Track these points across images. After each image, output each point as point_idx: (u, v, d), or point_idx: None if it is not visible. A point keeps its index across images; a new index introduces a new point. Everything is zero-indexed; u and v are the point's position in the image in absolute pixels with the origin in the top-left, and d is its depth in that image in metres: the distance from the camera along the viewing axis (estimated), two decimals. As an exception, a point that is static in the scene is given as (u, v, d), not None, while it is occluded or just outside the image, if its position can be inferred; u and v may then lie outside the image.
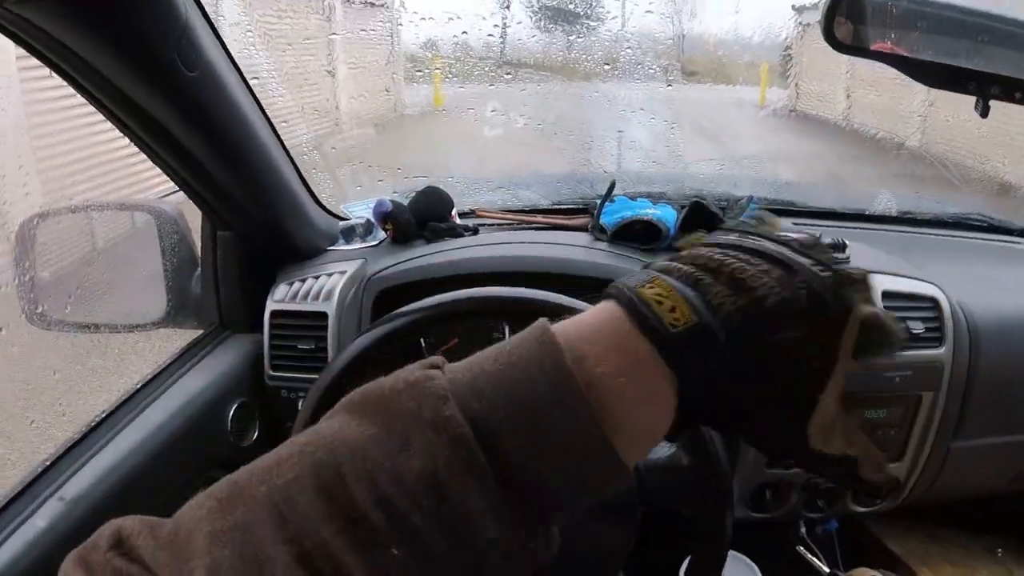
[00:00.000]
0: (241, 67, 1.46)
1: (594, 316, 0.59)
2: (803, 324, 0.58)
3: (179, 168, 1.47)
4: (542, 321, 0.58)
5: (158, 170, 1.49)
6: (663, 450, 1.13)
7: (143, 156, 1.43)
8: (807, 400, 0.59)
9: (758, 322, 0.57)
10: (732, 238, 0.65)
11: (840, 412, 0.60)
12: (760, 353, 0.58)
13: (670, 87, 2.75)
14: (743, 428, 0.63)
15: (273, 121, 1.62)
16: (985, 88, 0.94)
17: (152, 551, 0.54)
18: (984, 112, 0.96)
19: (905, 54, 0.97)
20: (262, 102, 1.56)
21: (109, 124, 1.32)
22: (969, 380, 1.64)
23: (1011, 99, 0.95)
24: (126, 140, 1.38)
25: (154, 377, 1.57)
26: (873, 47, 0.98)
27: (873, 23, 0.98)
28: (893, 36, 0.98)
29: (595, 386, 0.54)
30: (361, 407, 0.57)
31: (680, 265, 0.61)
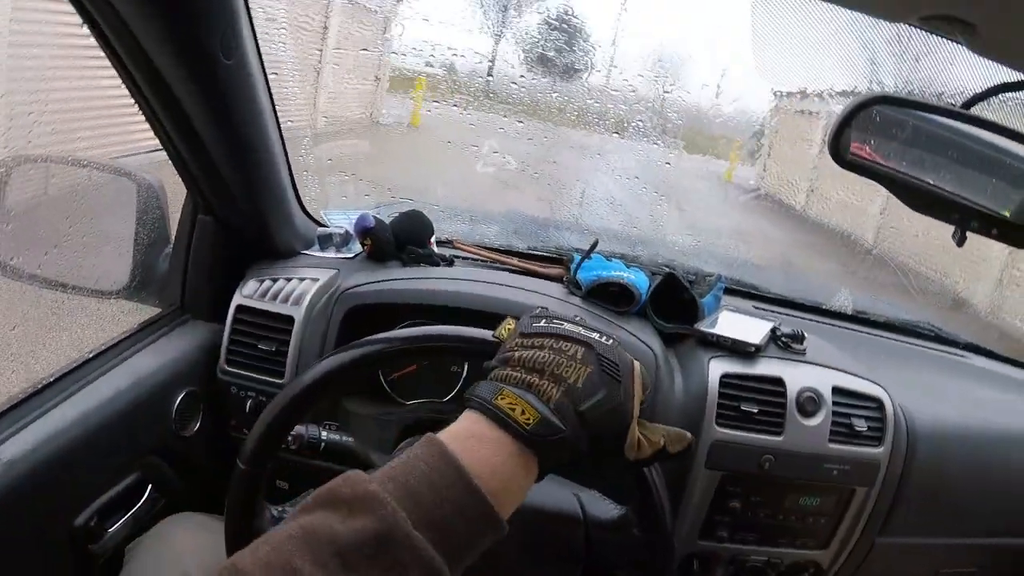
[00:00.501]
0: (265, 62, 1.48)
1: (466, 427, 0.86)
2: (604, 386, 0.90)
3: (183, 147, 1.48)
4: (430, 436, 0.83)
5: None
6: (613, 510, 1.16)
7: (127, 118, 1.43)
8: (621, 434, 0.91)
9: (576, 398, 0.88)
10: (542, 325, 0.98)
11: (641, 433, 0.92)
12: (583, 418, 0.87)
13: (656, 146, 2.80)
14: (584, 461, 0.91)
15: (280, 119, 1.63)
16: (966, 220, 0.99)
17: None
18: (961, 242, 1.02)
19: (901, 178, 1.02)
20: (275, 98, 1.58)
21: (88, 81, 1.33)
22: (902, 481, 1.70)
23: (987, 234, 1.00)
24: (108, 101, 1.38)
25: (106, 350, 1.56)
26: (871, 168, 1.03)
27: (874, 147, 1.03)
28: (890, 161, 1.03)
29: (478, 474, 0.79)
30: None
31: (514, 373, 0.90)
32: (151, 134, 1.49)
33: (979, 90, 0.96)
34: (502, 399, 0.87)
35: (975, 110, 0.96)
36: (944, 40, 0.88)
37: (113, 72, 1.31)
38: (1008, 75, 0.91)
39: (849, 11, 0.89)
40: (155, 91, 1.31)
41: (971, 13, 0.69)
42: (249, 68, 1.40)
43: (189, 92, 1.32)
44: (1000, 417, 1.88)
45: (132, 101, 1.39)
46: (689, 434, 0.97)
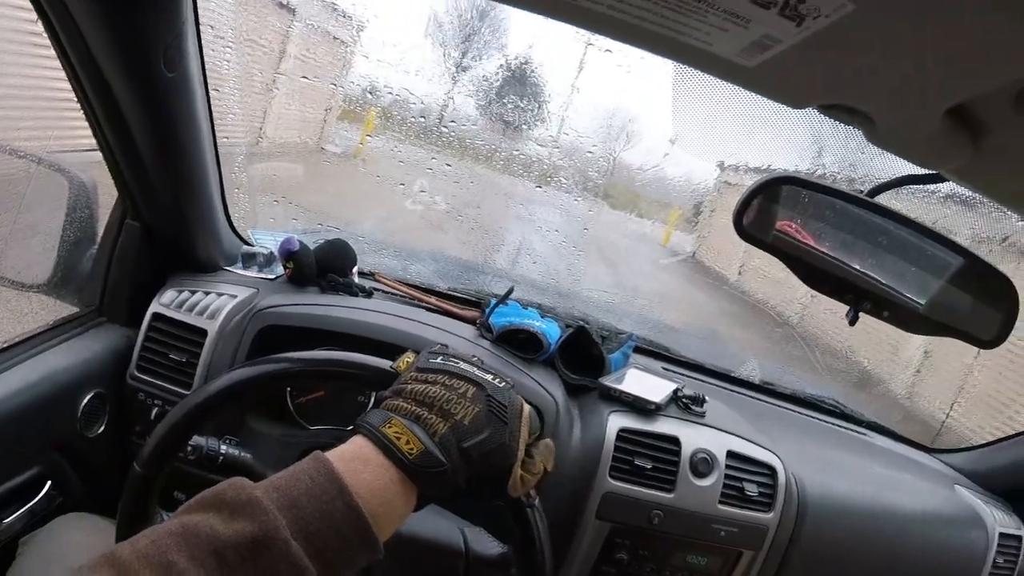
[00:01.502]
0: (208, 77, 1.50)
1: (353, 450, 0.89)
2: (489, 425, 0.94)
3: (118, 151, 1.50)
4: (317, 453, 0.86)
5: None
6: (495, 547, 1.18)
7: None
8: (504, 472, 0.95)
9: (460, 435, 0.92)
10: (438, 361, 1.03)
11: (523, 471, 0.97)
12: (466, 454, 0.92)
13: (589, 202, 2.84)
14: (466, 494, 0.95)
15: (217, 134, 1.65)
16: (860, 301, 1.04)
17: None
18: (853, 321, 1.07)
19: (798, 256, 1.06)
20: (214, 115, 1.60)
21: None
22: (789, 547, 1.74)
23: (879, 316, 1.05)
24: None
25: (20, 343, 1.55)
26: (771, 244, 1.08)
27: (776, 225, 1.07)
28: (791, 240, 1.07)
29: (359, 494, 0.82)
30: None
31: (405, 404, 0.95)
32: (90, 133, 1.50)
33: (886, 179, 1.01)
34: (389, 427, 0.91)
35: (881, 199, 1.01)
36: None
37: (59, 66, 1.33)
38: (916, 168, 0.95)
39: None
40: (96, 92, 1.34)
41: (867, 105, 0.72)
42: (190, 83, 1.42)
43: (129, 98, 1.35)
44: (891, 494, 1.93)
45: (75, 98, 1.41)
46: (549, 440, 1.03)
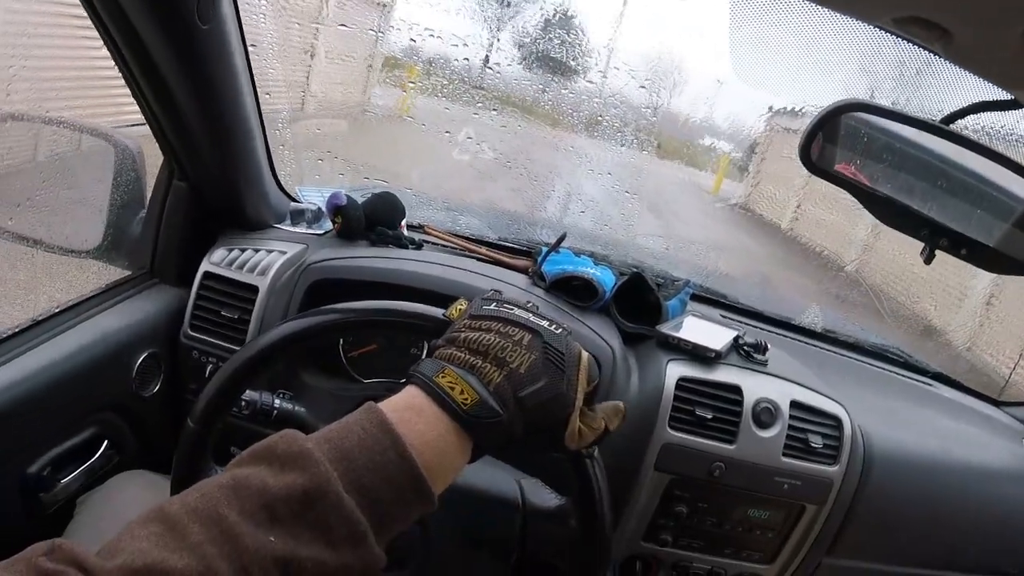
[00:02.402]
0: (245, 32, 1.47)
1: (406, 400, 0.87)
2: (546, 374, 0.91)
3: (160, 111, 1.48)
4: (369, 404, 0.84)
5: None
6: (553, 499, 1.15)
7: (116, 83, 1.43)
8: (561, 423, 0.92)
9: (516, 384, 0.89)
10: (492, 308, 0.99)
11: (582, 423, 0.93)
12: (522, 403, 0.89)
13: (640, 151, 2.79)
14: (522, 445, 0.93)
15: (258, 90, 1.63)
16: (936, 238, 0.99)
17: (86, 555, 0.65)
18: (929, 259, 1.01)
19: (871, 187, 1.01)
20: (254, 70, 1.58)
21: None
22: (854, 502, 1.69)
23: (957, 254, 1.00)
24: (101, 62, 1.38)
25: (73, 306, 1.56)
26: (842, 176, 1.02)
27: (847, 154, 1.02)
28: (863, 170, 1.02)
29: (412, 444, 0.80)
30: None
31: (458, 353, 0.92)
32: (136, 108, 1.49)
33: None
34: (443, 377, 0.89)
35: (953, 128, 0.96)
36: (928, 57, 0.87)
37: (96, 36, 1.31)
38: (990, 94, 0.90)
39: (828, 15, 0.88)
40: (134, 53, 1.32)
41: (943, 16, 0.68)
42: (226, 35, 1.40)
43: (165, 55, 1.33)
44: (961, 449, 1.87)
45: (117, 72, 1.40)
46: (621, 403, 0.97)
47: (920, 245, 1.01)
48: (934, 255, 1.01)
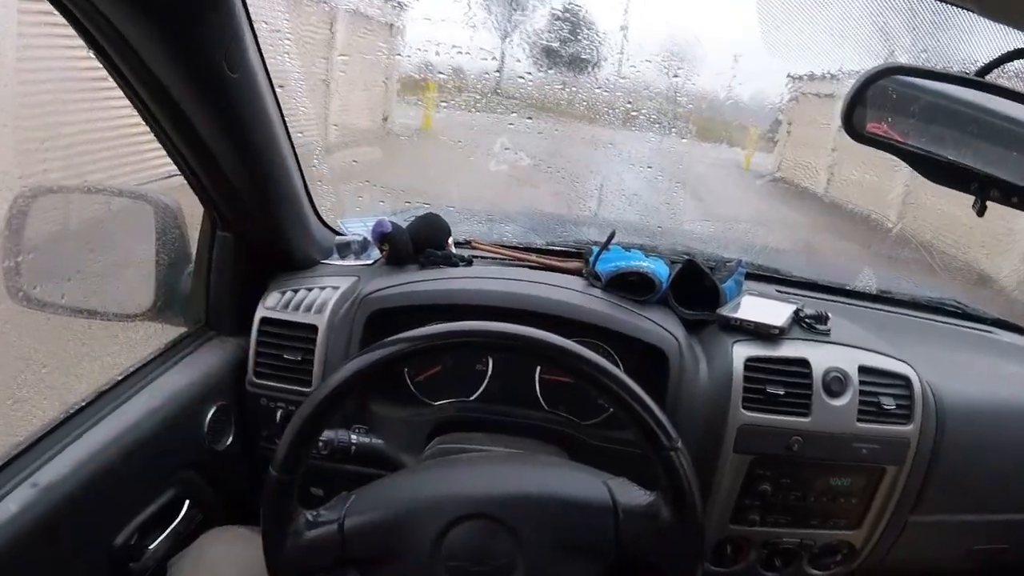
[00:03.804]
0: (271, 74, 1.48)
1: None
2: None
3: (196, 165, 1.48)
4: None
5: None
6: (643, 497, 1.15)
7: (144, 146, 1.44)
8: None
9: None
10: None
11: None
12: None
13: (669, 135, 2.78)
14: None
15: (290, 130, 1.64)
16: (985, 190, 0.98)
17: None
18: (981, 211, 1.01)
19: (917, 147, 1.01)
20: (284, 110, 1.58)
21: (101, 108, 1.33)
22: (932, 458, 1.69)
23: (1008, 203, 0.99)
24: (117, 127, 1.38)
25: (135, 371, 1.57)
26: (886, 140, 1.02)
27: (888, 119, 1.02)
28: (906, 132, 1.02)
29: None
30: None
31: None
32: (164, 159, 1.49)
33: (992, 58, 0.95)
34: None
35: (989, 78, 0.95)
36: (957, 11, 0.87)
37: (122, 97, 1.32)
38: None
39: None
40: (164, 110, 1.32)
41: None
42: (255, 81, 1.40)
43: (197, 108, 1.33)
44: None
45: (144, 127, 1.40)
46: None
47: (970, 199, 1.01)
48: (986, 207, 1.00)
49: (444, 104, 2.93)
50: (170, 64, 1.21)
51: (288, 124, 1.63)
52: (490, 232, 2.25)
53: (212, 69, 1.27)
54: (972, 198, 1.01)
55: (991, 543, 1.89)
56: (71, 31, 1.14)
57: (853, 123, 1.01)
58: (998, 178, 0.98)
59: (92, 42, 1.15)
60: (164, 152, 1.47)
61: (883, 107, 1.01)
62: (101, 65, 1.22)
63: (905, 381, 1.67)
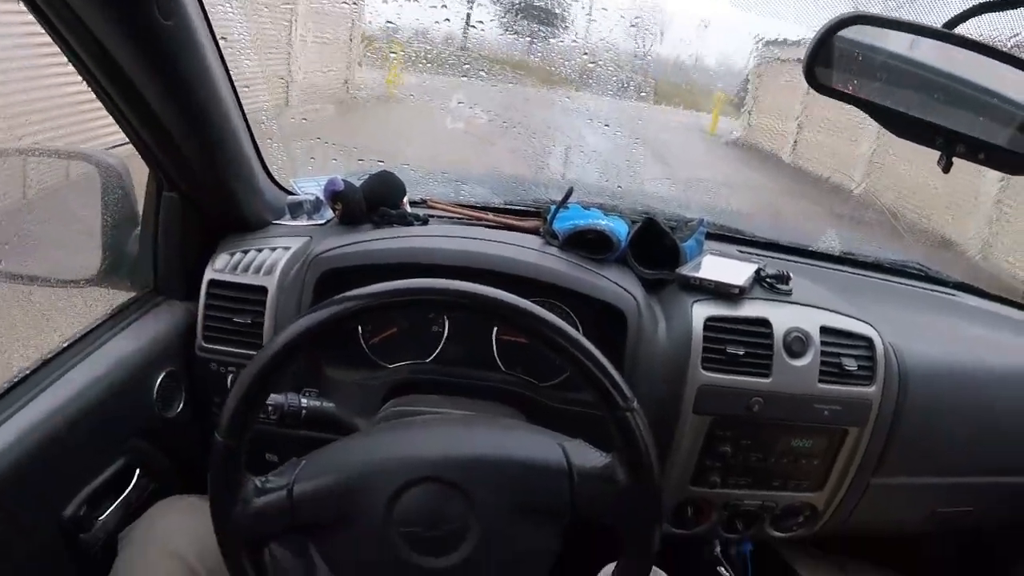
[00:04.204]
0: (214, 25, 1.43)
1: None
2: None
3: (135, 121, 1.43)
4: None
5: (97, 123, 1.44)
6: (599, 458, 1.13)
7: (91, 106, 1.40)
8: None
9: None
10: None
11: None
12: None
13: (633, 100, 2.76)
14: None
15: (236, 85, 1.59)
16: (951, 145, 0.96)
17: None
18: (947, 168, 0.99)
19: (880, 102, 0.99)
20: (228, 64, 1.53)
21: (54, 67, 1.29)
22: (894, 420, 1.69)
23: (974, 159, 0.98)
24: (74, 87, 1.34)
25: (81, 338, 1.53)
26: (850, 92, 1.00)
27: (853, 69, 0.99)
28: (870, 84, 0.99)
29: None
30: None
31: None
32: (114, 129, 1.46)
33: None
34: None
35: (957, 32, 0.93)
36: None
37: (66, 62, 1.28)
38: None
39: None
40: (97, 62, 1.27)
41: None
42: (192, 30, 1.34)
43: (131, 59, 1.27)
44: (991, 355, 1.87)
45: (90, 96, 1.36)
46: None
47: (935, 160, 1.00)
48: (951, 163, 0.99)
49: (411, 58, 2.89)
50: (99, 10, 1.15)
51: (235, 80, 1.58)
52: (447, 192, 2.22)
53: (142, 14, 1.20)
54: (938, 159, 0.99)
55: (954, 506, 1.89)
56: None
57: (815, 73, 1.00)
58: (964, 134, 0.97)
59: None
60: (111, 121, 1.43)
61: (847, 58, 1.00)
62: (29, 12, 1.17)
63: (867, 342, 1.66)
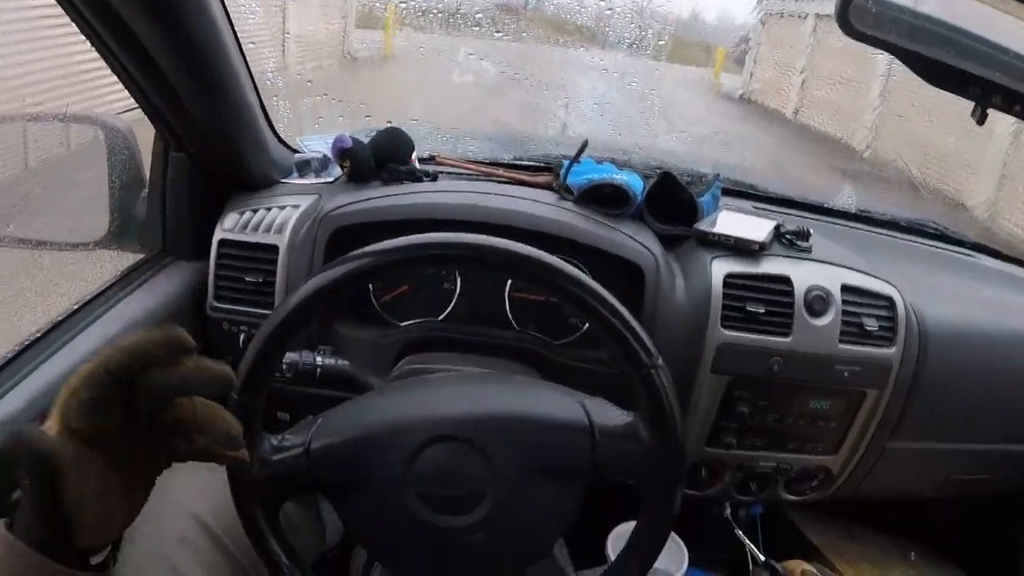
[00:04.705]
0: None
1: None
2: None
3: (142, 80, 1.43)
4: None
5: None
6: (621, 417, 1.11)
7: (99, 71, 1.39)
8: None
9: None
10: None
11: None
12: None
13: (638, 57, 2.74)
14: None
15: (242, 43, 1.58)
16: (987, 96, 0.93)
17: None
18: (981, 119, 0.96)
19: (914, 49, 0.96)
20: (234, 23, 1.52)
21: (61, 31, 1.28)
22: (914, 383, 1.66)
23: (1010, 111, 0.95)
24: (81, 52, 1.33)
25: (91, 300, 1.53)
26: (884, 38, 0.97)
27: (887, 16, 0.96)
28: (905, 29, 0.96)
29: None
30: None
31: None
32: (117, 93, 1.46)
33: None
34: None
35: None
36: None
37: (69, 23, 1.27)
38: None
39: None
40: (106, 24, 1.27)
41: None
42: None
43: (140, 20, 1.27)
44: (1011, 318, 1.85)
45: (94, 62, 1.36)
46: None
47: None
48: (987, 114, 0.95)
49: (406, 25, 2.87)
50: None
51: (240, 37, 1.57)
52: (457, 148, 2.20)
53: None
54: (972, 110, 0.96)
55: (969, 473, 1.88)
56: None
57: (850, 20, 0.96)
58: (1000, 84, 0.93)
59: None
60: (118, 85, 1.43)
61: (883, 8, 0.96)
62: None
63: (889, 302, 1.64)
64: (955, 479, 1.88)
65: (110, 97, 1.55)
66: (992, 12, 0.93)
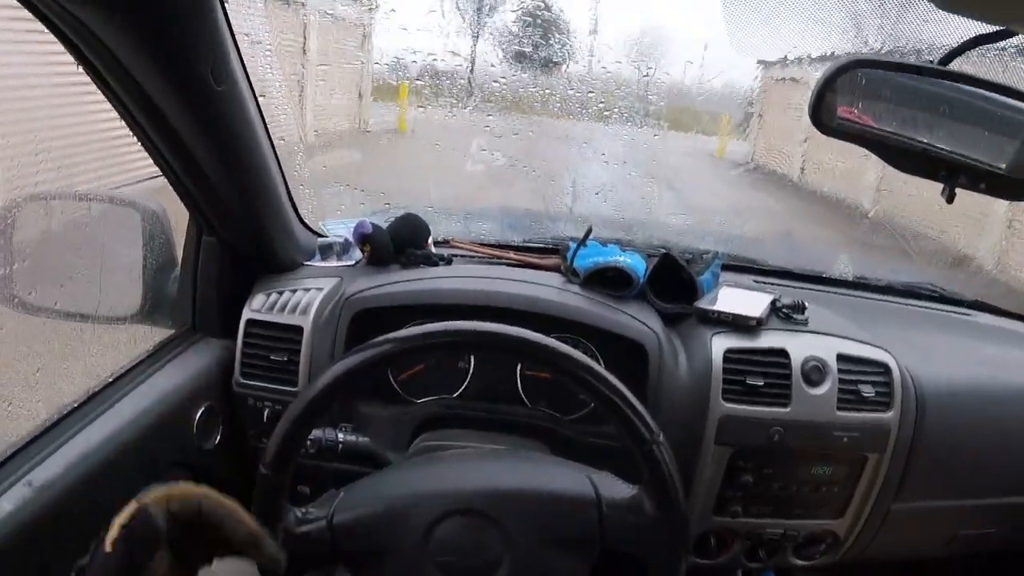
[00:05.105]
0: (253, 84, 1.50)
1: None
2: None
3: (182, 173, 1.50)
4: None
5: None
6: (627, 490, 1.17)
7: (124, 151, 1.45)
8: None
9: None
10: None
11: None
12: None
13: (642, 128, 2.79)
14: None
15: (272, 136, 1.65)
16: (954, 176, 1.00)
17: None
18: (950, 198, 1.03)
19: (883, 141, 1.03)
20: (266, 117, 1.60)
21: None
22: (913, 444, 1.70)
23: (976, 189, 1.01)
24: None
25: (125, 373, 1.58)
26: (854, 133, 1.04)
27: (854, 112, 1.04)
28: (872, 124, 1.03)
29: None
30: None
31: None
32: (149, 162, 1.50)
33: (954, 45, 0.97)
34: None
35: (953, 65, 0.97)
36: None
37: (108, 106, 1.33)
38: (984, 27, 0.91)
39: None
40: (151, 122, 1.34)
41: None
42: (240, 92, 1.42)
43: (183, 120, 1.34)
44: (1008, 373, 1.88)
45: (129, 133, 1.41)
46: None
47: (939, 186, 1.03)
48: (955, 193, 1.02)
49: (420, 107, 2.93)
50: (157, 78, 1.23)
51: (270, 131, 1.64)
52: (468, 230, 2.26)
53: (199, 82, 1.28)
54: (941, 190, 1.03)
55: (976, 528, 1.90)
56: (57, 46, 1.15)
57: (820, 116, 1.03)
58: (966, 164, 1.00)
59: (80, 56, 1.17)
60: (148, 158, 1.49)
61: (850, 100, 1.03)
62: (89, 76, 1.23)
63: (884, 368, 1.68)
64: (963, 535, 1.90)
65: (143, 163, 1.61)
66: (950, 98, 1.01)
